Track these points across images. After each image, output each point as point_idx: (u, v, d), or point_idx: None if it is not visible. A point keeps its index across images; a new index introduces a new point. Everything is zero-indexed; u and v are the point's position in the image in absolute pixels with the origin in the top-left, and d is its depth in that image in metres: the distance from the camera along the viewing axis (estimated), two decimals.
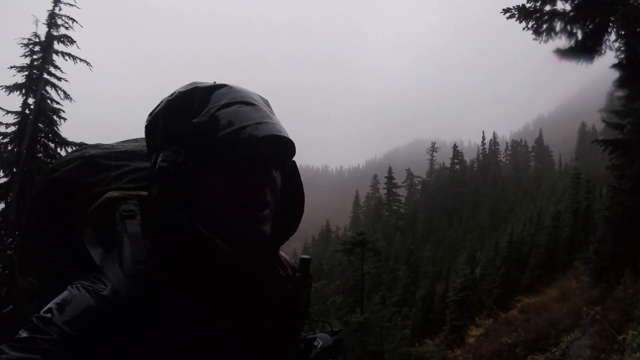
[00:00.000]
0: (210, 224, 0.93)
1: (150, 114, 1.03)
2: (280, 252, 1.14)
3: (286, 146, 1.01)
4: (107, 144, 1.22)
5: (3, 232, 13.58)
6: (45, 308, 0.82)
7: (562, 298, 13.59)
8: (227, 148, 0.93)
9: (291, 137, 1.01)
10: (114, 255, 0.92)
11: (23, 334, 0.79)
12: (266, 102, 1.05)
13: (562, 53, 11.33)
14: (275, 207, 1.02)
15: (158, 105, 1.02)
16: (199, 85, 1.00)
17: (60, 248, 1.05)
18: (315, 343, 1.13)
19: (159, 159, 0.95)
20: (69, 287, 0.86)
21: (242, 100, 0.97)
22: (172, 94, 1.01)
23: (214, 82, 1.01)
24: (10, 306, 12.71)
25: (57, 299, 0.84)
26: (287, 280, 1.08)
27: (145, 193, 1.01)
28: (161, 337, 0.85)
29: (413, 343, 20.44)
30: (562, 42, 11.37)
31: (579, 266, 16.93)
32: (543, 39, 11.26)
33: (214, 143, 0.93)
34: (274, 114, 1.03)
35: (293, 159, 1.08)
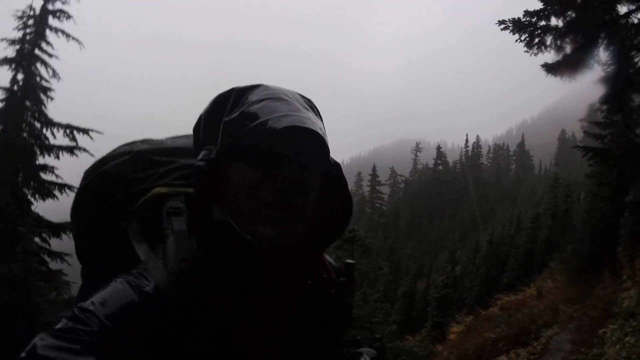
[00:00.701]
0: (238, 222, 0.92)
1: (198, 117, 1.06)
2: (324, 255, 1.11)
3: (315, 141, 0.95)
4: (157, 140, 1.23)
5: None
6: (89, 300, 0.83)
7: (539, 296, 13.96)
8: (250, 143, 0.91)
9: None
10: (158, 251, 0.92)
11: (63, 323, 0.79)
12: (308, 102, 1.03)
13: (550, 67, 11.72)
14: (313, 208, 0.98)
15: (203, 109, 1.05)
16: (236, 87, 1.01)
17: (105, 240, 1.06)
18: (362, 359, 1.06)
19: (198, 157, 0.96)
20: (113, 281, 0.87)
21: (272, 97, 0.96)
22: (213, 98, 1.03)
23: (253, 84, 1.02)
24: None
25: (100, 292, 0.85)
26: (331, 284, 1.04)
27: (192, 190, 1.00)
28: (199, 336, 0.87)
29: (395, 339, 20.70)
30: (552, 55, 11.82)
31: (554, 266, 17.37)
32: (534, 51, 11.73)
33: (240, 139, 0.92)
34: (311, 111, 1.00)
35: (333, 158, 1.04)
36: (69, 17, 13.95)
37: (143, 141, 1.20)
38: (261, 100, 0.95)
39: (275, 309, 0.95)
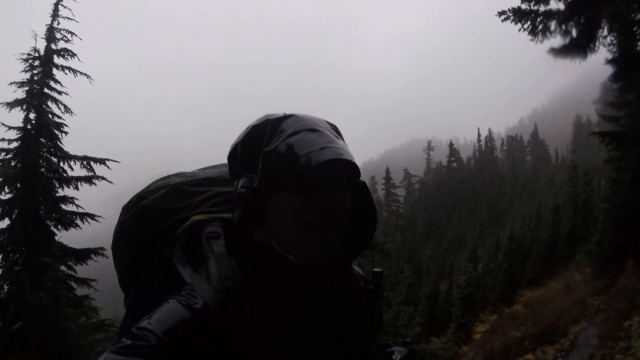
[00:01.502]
0: (280, 243, 1.01)
1: (232, 146, 1.15)
2: (353, 265, 1.19)
3: (350, 169, 1.06)
4: (189, 172, 1.32)
5: (10, 248, 13.45)
6: (144, 320, 0.91)
7: (567, 290, 13.71)
8: (294, 173, 1.00)
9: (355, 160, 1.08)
10: (201, 273, 1.00)
11: (124, 342, 0.87)
12: (334, 128, 1.14)
13: (557, 52, 11.51)
14: (345, 225, 1.07)
15: (237, 138, 1.13)
16: (269, 117, 1.10)
17: (148, 268, 1.14)
18: (394, 357, 1.14)
19: (239, 185, 1.06)
20: (165, 302, 0.95)
21: (307, 128, 1.05)
22: (247, 127, 1.12)
23: (284, 114, 1.10)
24: (20, 322, 12.58)
25: (154, 312, 0.93)
26: (361, 293, 1.12)
27: (227, 215, 1.11)
28: (246, 347, 0.94)
29: (420, 342, 20.50)
30: (558, 40, 11.57)
31: (580, 259, 17.06)
32: (539, 39, 11.47)
33: (282, 169, 1.01)
34: (340, 138, 1.10)
35: (361, 179, 1.13)
36: (73, 55, 14.55)
37: (177, 175, 1.30)
38: (297, 132, 1.04)
39: (310, 319, 1.03)
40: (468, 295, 21.29)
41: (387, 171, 59.94)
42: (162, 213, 1.18)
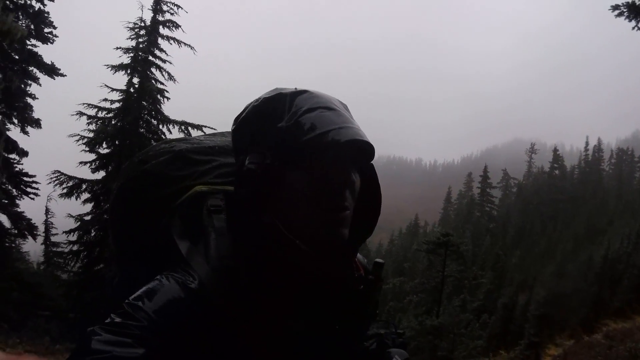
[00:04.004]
0: (291, 225, 0.96)
1: (236, 118, 1.09)
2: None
3: (366, 150, 1.03)
4: (195, 138, 1.28)
5: (102, 197, 15.03)
6: (136, 295, 0.88)
7: None
8: (310, 151, 0.96)
9: (371, 139, 1.04)
10: (200, 248, 0.96)
11: (115, 318, 0.83)
12: (345, 107, 1.09)
13: None
14: (353, 209, 1.03)
15: (244, 110, 1.08)
16: (282, 91, 1.05)
17: (146, 236, 1.11)
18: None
19: (247, 160, 0.99)
20: (159, 277, 0.92)
21: (323, 106, 1.01)
22: (257, 100, 1.06)
23: (295, 88, 1.05)
24: (101, 265, 14.49)
25: (147, 287, 0.89)
26: (360, 281, 1.08)
27: (231, 188, 1.05)
28: (241, 331, 0.91)
29: (488, 352, 19.70)
30: None
31: None
32: None
33: (298, 146, 0.96)
34: (353, 119, 1.06)
35: (371, 162, 1.09)
36: (177, 26, 15.63)
37: (182, 140, 1.25)
38: (314, 109, 0.99)
39: (310, 304, 0.99)
40: (545, 314, 20.07)
41: (485, 169, 57.69)
42: (164, 180, 1.15)
